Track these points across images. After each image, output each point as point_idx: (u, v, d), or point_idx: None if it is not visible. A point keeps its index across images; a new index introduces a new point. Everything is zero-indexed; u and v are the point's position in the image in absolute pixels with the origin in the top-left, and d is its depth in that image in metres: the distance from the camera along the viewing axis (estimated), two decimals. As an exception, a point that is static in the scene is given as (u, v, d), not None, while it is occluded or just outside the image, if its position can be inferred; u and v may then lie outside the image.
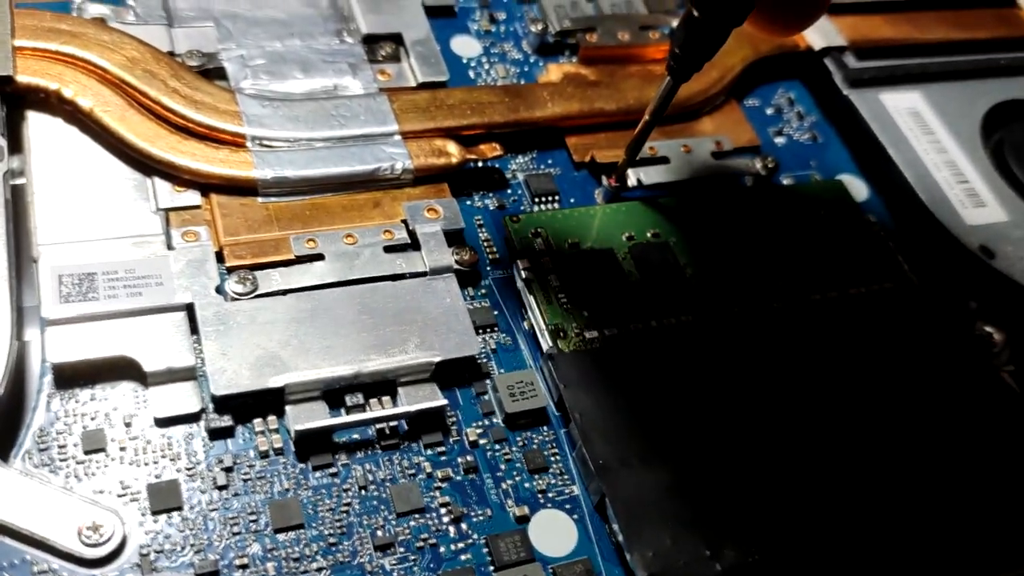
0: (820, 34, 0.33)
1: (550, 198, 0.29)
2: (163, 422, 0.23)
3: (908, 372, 0.27)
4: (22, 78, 0.26)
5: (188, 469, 0.22)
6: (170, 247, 0.25)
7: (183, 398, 0.23)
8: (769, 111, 0.33)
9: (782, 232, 0.29)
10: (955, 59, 0.35)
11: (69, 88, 0.26)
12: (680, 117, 0.31)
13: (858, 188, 0.32)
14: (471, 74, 0.31)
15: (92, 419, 0.23)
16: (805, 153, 0.32)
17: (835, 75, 0.33)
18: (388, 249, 0.26)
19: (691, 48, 0.25)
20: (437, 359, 0.24)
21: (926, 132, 0.32)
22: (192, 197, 0.26)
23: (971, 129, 0.33)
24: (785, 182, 0.31)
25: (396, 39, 0.30)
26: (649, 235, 0.28)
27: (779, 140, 0.32)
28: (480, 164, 0.29)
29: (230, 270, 0.25)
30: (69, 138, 0.26)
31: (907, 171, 0.31)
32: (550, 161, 0.30)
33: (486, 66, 0.31)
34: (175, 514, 0.22)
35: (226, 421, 0.23)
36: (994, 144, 0.33)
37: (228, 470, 0.23)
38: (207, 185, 0.26)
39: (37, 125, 0.26)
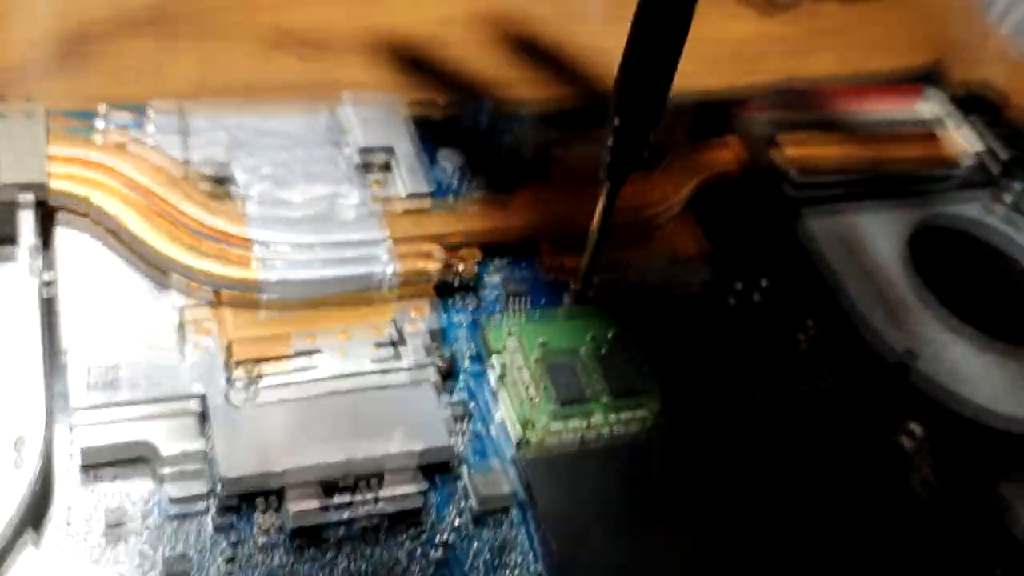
0: (766, 156, 0.37)
1: (523, 300, 0.32)
2: (176, 501, 0.26)
3: (833, 471, 0.31)
4: (53, 184, 0.29)
5: (197, 547, 0.25)
6: (185, 341, 0.28)
7: (194, 480, 0.26)
8: (719, 226, 0.36)
9: (726, 338, 0.33)
10: (884, 179, 0.39)
11: (96, 193, 0.30)
12: (637, 231, 0.34)
13: (795, 296, 0.35)
14: (455, 183, 0.35)
15: (113, 498, 0.26)
16: (751, 266, 0.36)
17: (777, 194, 0.37)
18: (378, 346, 0.29)
19: (620, 152, 0.29)
20: (419, 449, 0.28)
21: (855, 248, 0.36)
22: (205, 295, 0.29)
23: (897, 245, 0.37)
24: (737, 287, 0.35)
25: (388, 151, 0.34)
26: (611, 336, 0.32)
27: (728, 253, 0.36)
28: (461, 268, 0.32)
29: (238, 363, 0.28)
30: (94, 239, 0.30)
31: (837, 282, 0.35)
32: (524, 265, 0.33)
33: (467, 178, 0.35)
34: (187, 586, 0.25)
35: (232, 503, 0.26)
36: (916, 260, 0.37)
37: (235, 545, 0.26)
38: (218, 285, 0.29)
39: (64, 226, 0.30)
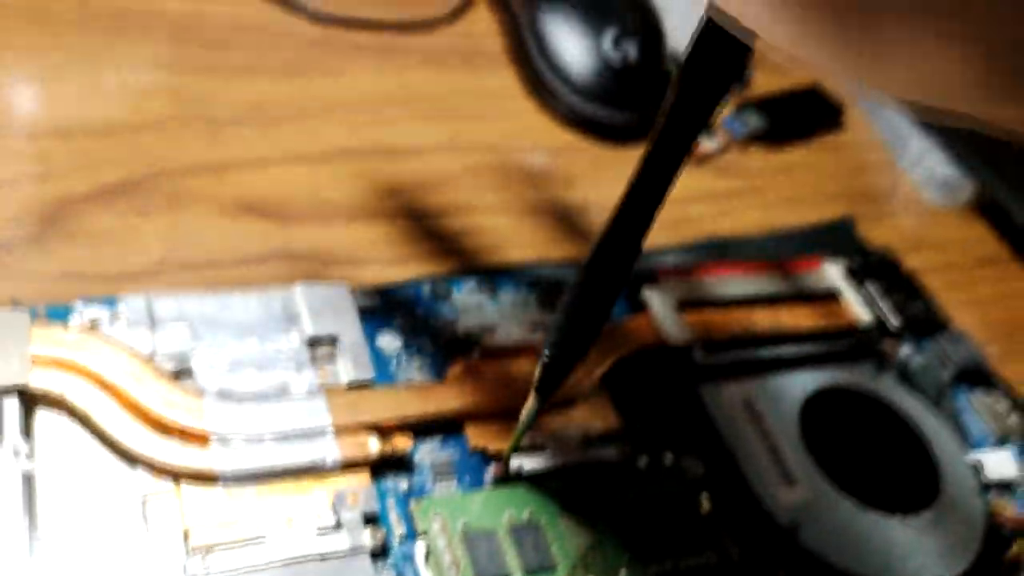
0: (675, 329, 0.42)
1: (450, 479, 0.36)
2: None
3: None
4: (33, 382, 0.33)
5: None
6: (147, 528, 0.32)
7: (152, 663, 0.30)
8: (631, 400, 0.41)
9: (633, 509, 0.37)
10: (784, 348, 0.43)
11: (69, 389, 0.33)
12: (554, 409, 0.39)
13: (697, 469, 0.39)
14: (393, 365, 0.39)
15: None
16: (659, 438, 0.40)
17: (682, 368, 0.41)
18: (319, 529, 0.34)
19: (545, 383, 0.33)
20: (352, 630, 0.32)
21: (754, 419, 0.41)
22: (166, 485, 0.33)
23: (791, 415, 0.41)
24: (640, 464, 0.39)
25: (333, 340, 0.38)
26: (527, 514, 0.36)
27: (639, 427, 0.40)
28: (394, 450, 0.36)
29: (194, 549, 0.32)
30: (70, 427, 0.33)
31: (734, 453, 0.39)
32: (451, 444, 0.37)
33: (404, 360, 0.39)
34: None
35: None
36: (807, 426, 0.41)
37: None
38: (178, 473, 0.33)
39: (44, 413, 0.34)
